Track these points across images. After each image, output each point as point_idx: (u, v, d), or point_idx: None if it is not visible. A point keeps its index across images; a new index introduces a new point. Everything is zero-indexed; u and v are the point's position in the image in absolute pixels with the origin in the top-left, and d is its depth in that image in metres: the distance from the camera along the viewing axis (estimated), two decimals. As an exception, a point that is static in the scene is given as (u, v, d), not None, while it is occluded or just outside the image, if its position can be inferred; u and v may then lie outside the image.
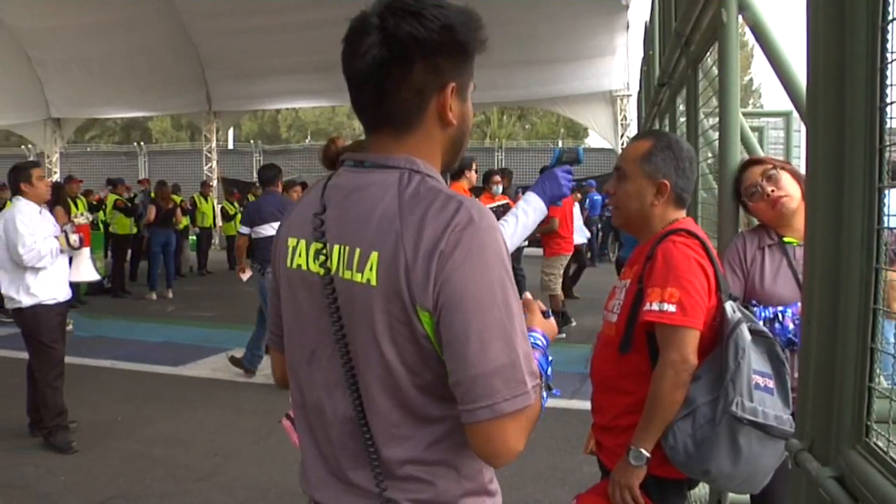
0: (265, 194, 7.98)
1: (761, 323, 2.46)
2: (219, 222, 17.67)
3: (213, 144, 21.01)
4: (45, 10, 17.06)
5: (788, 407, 2.29)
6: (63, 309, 5.86)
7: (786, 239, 2.74)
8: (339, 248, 1.44)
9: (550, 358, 1.61)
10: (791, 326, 2.52)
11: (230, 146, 26.94)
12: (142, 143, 27.18)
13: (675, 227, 2.45)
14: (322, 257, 1.46)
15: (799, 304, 2.31)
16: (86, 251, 5.99)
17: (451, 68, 1.43)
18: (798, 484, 1.46)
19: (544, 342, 1.62)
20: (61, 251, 5.69)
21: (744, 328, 2.26)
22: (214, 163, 21.00)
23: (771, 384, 2.28)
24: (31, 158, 22.92)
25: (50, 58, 19.06)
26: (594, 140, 27.91)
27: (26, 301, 5.55)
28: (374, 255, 1.37)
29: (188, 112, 21.53)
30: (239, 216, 15.84)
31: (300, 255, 1.53)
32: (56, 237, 5.67)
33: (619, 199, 2.60)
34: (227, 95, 19.47)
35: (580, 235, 11.73)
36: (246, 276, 8.06)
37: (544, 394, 1.51)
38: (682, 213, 2.56)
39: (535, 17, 15.28)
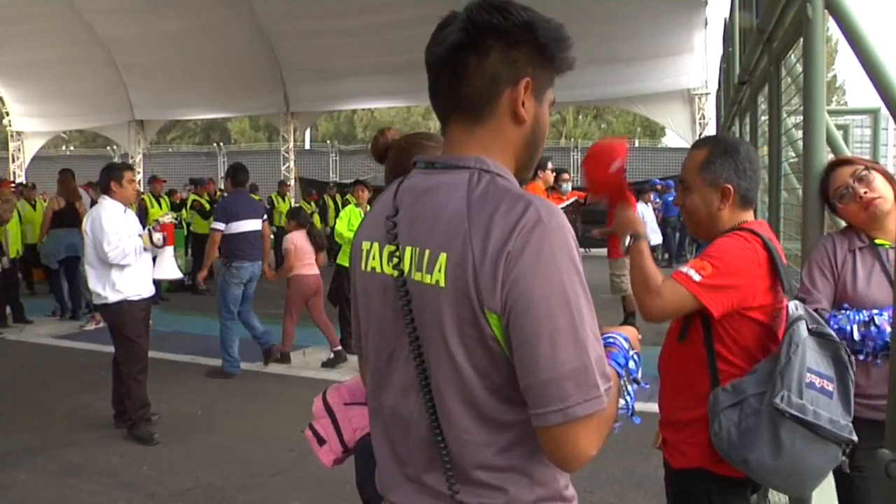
0: (236, 193, 8.13)
1: (855, 327, 2.44)
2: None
3: (291, 145, 21.29)
4: (132, 18, 17.60)
5: (849, 414, 2.24)
6: (147, 305, 6.03)
7: (878, 241, 2.69)
8: (411, 250, 1.44)
9: (633, 352, 1.57)
10: (888, 330, 2.44)
11: (307, 146, 27.31)
12: (221, 144, 27.74)
13: (742, 226, 2.48)
14: (395, 259, 1.46)
15: (892, 308, 2.25)
16: (169, 249, 6.14)
17: (528, 65, 1.43)
18: (891, 494, 1.42)
19: (621, 339, 1.57)
20: (145, 249, 5.85)
21: (801, 325, 2.24)
22: (292, 163, 21.28)
23: (830, 387, 2.23)
24: (116, 159, 23.66)
25: (135, 63, 19.63)
26: (671, 139, 27.49)
27: (112, 297, 5.72)
28: (443, 257, 1.37)
29: (266, 113, 21.86)
30: (317, 216, 16.09)
31: (374, 258, 1.54)
32: (140, 235, 5.84)
33: (688, 209, 2.64)
34: (305, 97, 19.72)
35: (654, 236, 11.53)
36: (204, 285, 8.58)
37: (630, 388, 1.51)
38: (750, 213, 2.56)
39: (612, 14, 15.11)
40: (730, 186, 2.48)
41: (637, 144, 27.50)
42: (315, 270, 8.24)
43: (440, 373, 1.41)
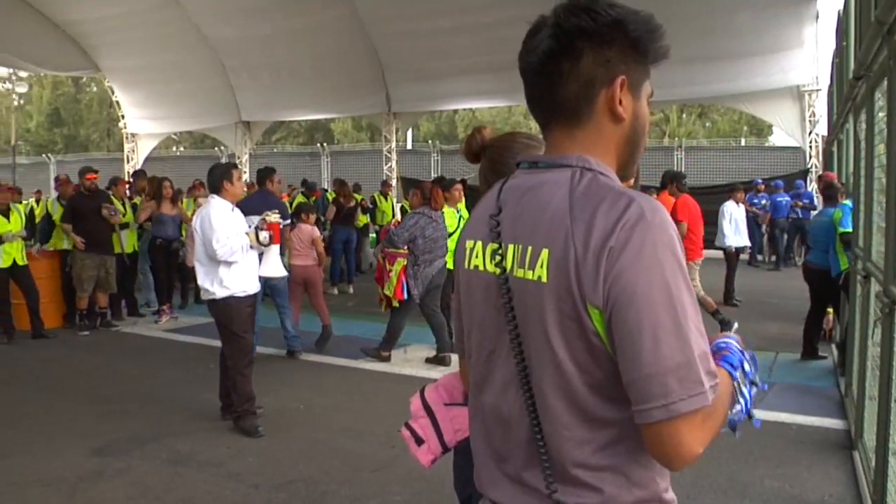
0: (258, 192, 8.42)
1: None
2: (398, 220, 18.03)
3: (393, 145, 21.51)
4: (239, 21, 18.09)
5: None
6: (253, 301, 6.19)
7: None
8: (514, 248, 1.45)
9: (747, 353, 1.53)
10: None
11: (408, 146, 27.52)
12: (324, 144, 28.16)
13: None
14: (497, 257, 1.48)
15: None
16: (275, 248, 6.29)
17: (621, 62, 1.43)
18: None
19: (733, 341, 1.54)
20: (251, 247, 6.01)
21: None
22: (394, 162, 21.50)
23: None
24: (224, 159, 24.36)
25: (242, 65, 20.15)
26: (779, 138, 26.59)
27: (220, 293, 5.89)
28: (545, 253, 1.38)
29: (369, 113, 22.12)
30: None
31: (477, 256, 1.56)
32: (246, 233, 6.00)
33: None
34: (406, 97, 19.89)
35: (740, 238, 11.16)
36: None
37: (746, 390, 1.48)
38: None
39: (718, 10, 14.76)
40: None
41: (743, 143, 26.78)
42: (306, 262, 8.75)
43: (541, 369, 1.41)
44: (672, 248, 1.32)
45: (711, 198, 11.78)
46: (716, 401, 1.32)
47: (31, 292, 9.76)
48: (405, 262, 8.07)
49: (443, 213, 8.20)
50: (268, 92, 20.53)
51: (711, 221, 11.61)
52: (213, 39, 19.42)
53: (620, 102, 1.44)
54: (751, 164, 21.33)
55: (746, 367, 1.51)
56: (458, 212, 8.41)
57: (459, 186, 8.54)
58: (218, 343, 6.39)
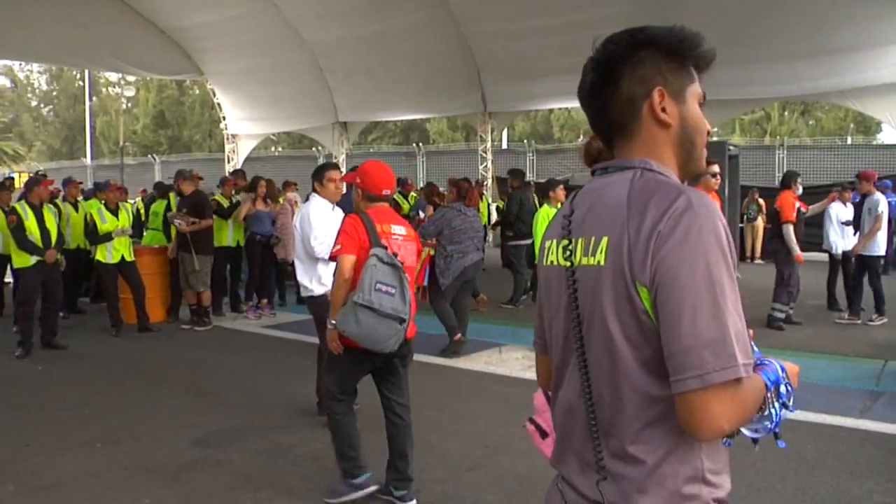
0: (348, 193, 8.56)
1: None
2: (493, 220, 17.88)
3: (488, 144, 21.46)
4: (336, 23, 18.32)
5: (405, 305, 4.33)
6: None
7: None
8: (582, 240, 1.62)
9: (787, 380, 1.61)
10: None
11: (504, 146, 27.47)
12: (420, 144, 28.34)
13: None
14: (567, 252, 1.66)
15: None
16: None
17: (656, 75, 1.63)
18: None
19: (777, 364, 1.62)
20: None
21: (373, 259, 4.31)
22: (489, 162, 21.47)
23: (393, 291, 4.29)
24: (321, 159, 24.78)
25: (338, 66, 20.40)
26: (888, 135, 25.58)
27: (318, 290, 5.98)
28: (605, 240, 1.55)
29: (464, 113, 22.13)
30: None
31: (553, 254, 1.74)
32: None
33: None
34: (502, 97, 19.81)
35: (845, 241, 10.68)
36: None
37: (776, 407, 1.56)
38: None
39: (825, 2, 14.21)
40: None
41: (850, 142, 25.79)
42: None
43: (597, 350, 1.57)
44: (716, 235, 1.45)
45: (816, 198, 11.34)
46: (747, 382, 1.43)
47: (138, 287, 10.11)
48: (431, 252, 8.48)
49: (476, 210, 8.65)
50: (364, 93, 20.74)
51: (817, 223, 11.23)
52: (310, 42, 19.73)
53: (664, 110, 1.63)
54: (857, 163, 20.50)
55: (782, 388, 1.59)
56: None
57: (562, 187, 8.59)
58: (315, 339, 6.48)
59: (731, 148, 14.45)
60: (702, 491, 1.53)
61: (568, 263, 1.65)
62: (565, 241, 1.67)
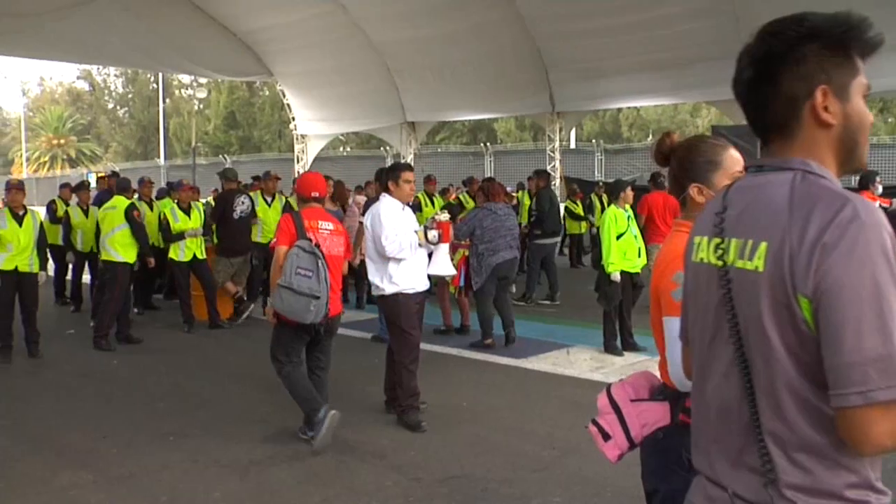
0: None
1: None
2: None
3: (556, 144, 21.31)
4: (402, 24, 18.39)
5: (320, 285, 5.38)
6: (421, 298, 6.27)
7: None
8: (736, 242, 1.57)
9: None
10: None
11: (572, 146, 27.26)
12: (488, 144, 28.28)
13: None
14: (720, 251, 1.61)
15: None
16: (444, 247, 6.33)
17: (820, 72, 1.52)
18: None
19: None
20: (420, 245, 6.09)
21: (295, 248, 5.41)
22: (557, 162, 21.32)
23: (310, 274, 5.35)
24: (389, 159, 24.92)
25: (406, 67, 20.46)
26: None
27: (389, 289, 6.01)
28: (763, 245, 1.49)
29: (532, 113, 21.99)
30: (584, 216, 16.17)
31: (703, 250, 1.70)
32: (415, 232, 6.08)
33: None
34: (570, 96, 19.62)
35: None
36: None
37: None
38: None
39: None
40: None
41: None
42: None
43: (756, 353, 1.51)
44: (883, 248, 1.38)
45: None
46: None
47: (209, 285, 10.30)
48: (465, 253, 8.87)
49: (505, 205, 9.13)
50: (432, 93, 20.76)
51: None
52: (377, 43, 19.82)
53: (826, 109, 1.53)
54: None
55: None
56: (626, 212, 8.26)
57: (631, 188, 8.54)
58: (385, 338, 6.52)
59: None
60: (870, 497, 1.50)
61: (720, 263, 1.60)
62: (717, 240, 1.62)
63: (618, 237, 8.04)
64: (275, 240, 5.73)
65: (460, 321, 9.59)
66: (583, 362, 8.09)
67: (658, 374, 2.55)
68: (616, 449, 2.50)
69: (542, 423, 6.12)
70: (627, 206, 8.37)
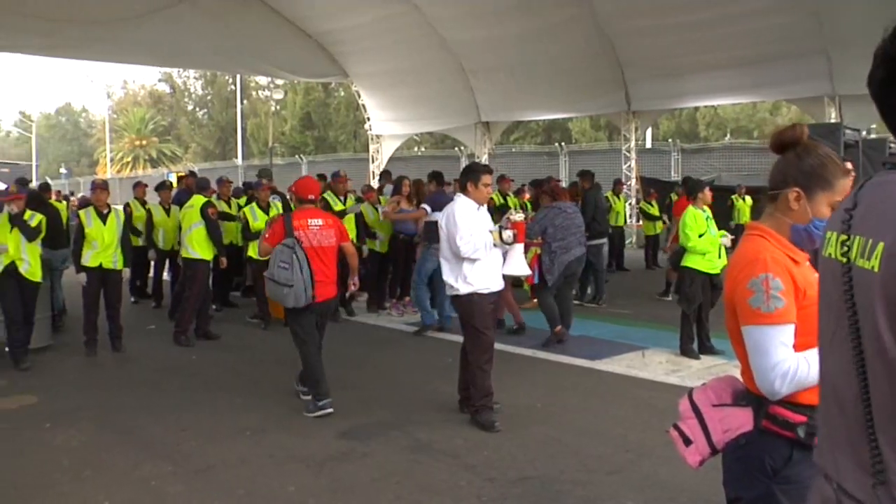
0: (438, 191, 10.31)
1: None
2: (633, 220, 17.49)
3: (632, 144, 21.06)
4: (477, 24, 18.39)
5: (294, 275, 6.22)
6: (496, 298, 6.26)
7: None
8: (859, 240, 1.53)
9: None
10: None
11: (647, 145, 26.91)
12: (562, 144, 28.08)
13: None
14: (845, 248, 1.57)
15: None
16: (518, 247, 6.30)
17: None
18: None
19: None
20: (494, 245, 6.07)
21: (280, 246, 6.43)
22: (633, 162, 21.07)
23: (287, 266, 6.21)
24: (463, 159, 24.96)
25: (480, 66, 20.46)
26: None
27: (463, 289, 6.01)
28: (881, 245, 1.44)
29: (607, 112, 21.81)
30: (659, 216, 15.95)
31: (831, 246, 1.66)
32: (490, 232, 6.07)
33: None
34: (646, 95, 19.39)
35: None
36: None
37: None
38: None
39: None
40: None
41: None
42: None
43: (872, 353, 1.47)
44: None
45: None
46: None
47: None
48: (537, 251, 8.99)
49: (572, 203, 9.48)
50: (506, 93, 20.73)
51: None
52: (452, 43, 19.87)
53: None
54: None
55: None
56: (704, 212, 8.13)
57: (709, 188, 8.43)
58: (456, 338, 6.53)
59: (893, 146, 13.67)
60: None
61: (844, 260, 1.57)
62: (843, 237, 1.58)
63: (700, 235, 7.94)
64: (266, 237, 6.75)
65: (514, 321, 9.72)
66: (658, 365, 7.97)
67: (741, 378, 2.49)
68: (697, 454, 2.45)
69: (617, 425, 6.05)
70: (706, 207, 8.24)
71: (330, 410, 6.39)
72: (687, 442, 2.46)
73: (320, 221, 6.64)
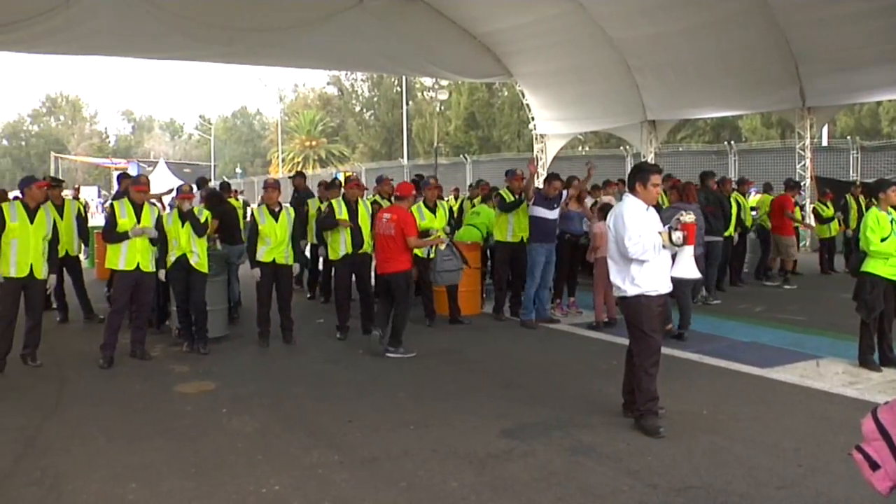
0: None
1: None
2: (810, 223, 16.58)
3: (807, 142, 20.07)
4: (642, 20, 18.05)
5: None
6: (664, 301, 6.14)
7: None
8: None
9: None
10: None
11: (823, 143, 25.59)
12: (731, 142, 27.15)
13: None
14: None
15: None
16: (688, 249, 6.11)
17: None
18: None
19: None
20: (663, 247, 5.94)
21: None
22: (808, 161, 20.09)
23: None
24: (629, 158, 24.64)
25: (646, 64, 20.04)
26: None
27: (630, 291, 5.93)
28: None
29: (780, 109, 20.90)
30: (835, 219, 15.07)
31: None
32: (659, 233, 5.94)
33: None
34: (823, 90, 18.39)
35: None
36: None
37: None
38: None
39: None
40: None
41: None
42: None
43: None
44: None
45: None
46: None
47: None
48: None
49: (698, 205, 9.81)
50: (673, 90, 20.23)
51: None
52: (617, 40, 19.58)
53: None
54: None
55: None
56: (889, 214, 7.61)
57: (894, 188, 7.81)
58: (620, 340, 6.44)
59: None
60: None
61: None
62: None
63: (884, 239, 7.46)
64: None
65: (607, 314, 10.14)
66: (834, 376, 7.55)
67: None
68: (888, 480, 2.25)
69: (788, 437, 5.80)
70: (891, 209, 7.71)
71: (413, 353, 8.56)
72: (874, 466, 2.25)
73: (388, 215, 8.68)
